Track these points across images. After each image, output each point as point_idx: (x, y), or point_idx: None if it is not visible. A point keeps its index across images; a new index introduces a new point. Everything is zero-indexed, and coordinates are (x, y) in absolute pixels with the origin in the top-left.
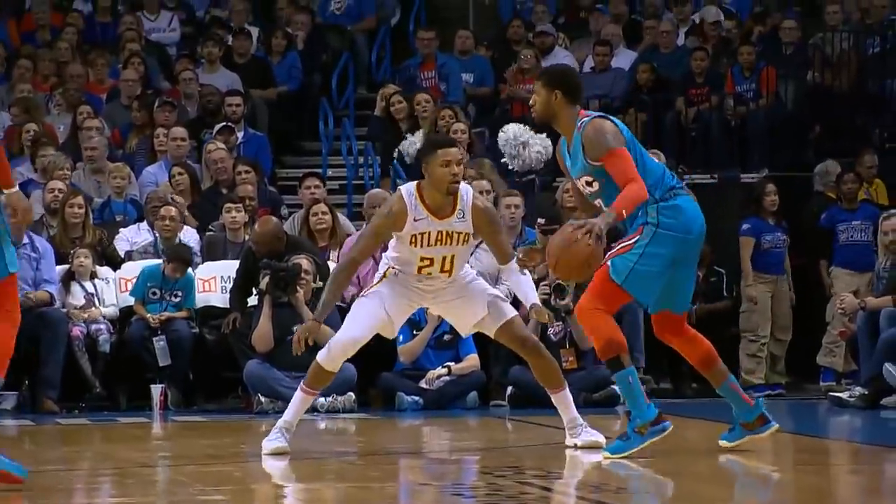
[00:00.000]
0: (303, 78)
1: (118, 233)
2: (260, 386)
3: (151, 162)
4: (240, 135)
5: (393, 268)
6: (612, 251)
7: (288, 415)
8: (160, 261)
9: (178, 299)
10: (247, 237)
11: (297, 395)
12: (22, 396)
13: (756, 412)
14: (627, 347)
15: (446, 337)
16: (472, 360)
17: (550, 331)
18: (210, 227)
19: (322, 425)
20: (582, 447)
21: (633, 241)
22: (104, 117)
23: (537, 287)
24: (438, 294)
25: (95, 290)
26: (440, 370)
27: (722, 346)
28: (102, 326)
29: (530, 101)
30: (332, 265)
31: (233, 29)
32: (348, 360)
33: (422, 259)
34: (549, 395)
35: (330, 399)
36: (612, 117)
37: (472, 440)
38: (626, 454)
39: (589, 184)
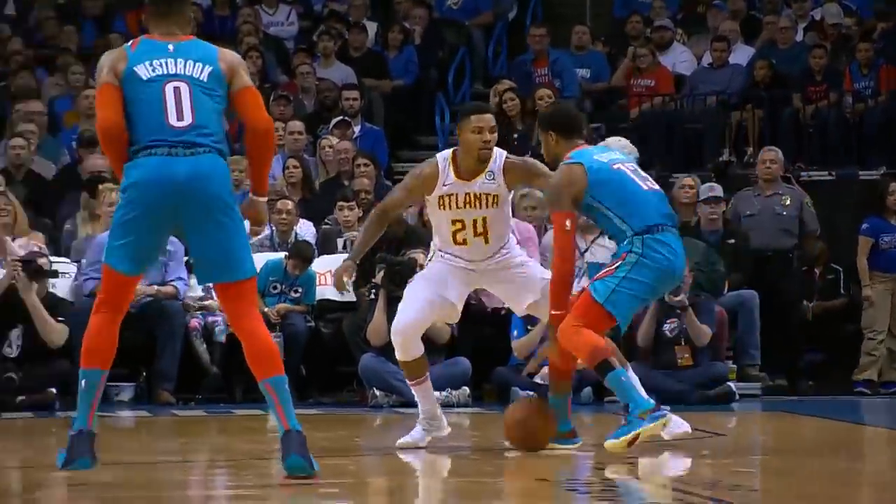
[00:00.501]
0: (419, 72)
1: None
2: (375, 380)
3: None
4: (356, 129)
5: (438, 251)
6: (595, 276)
7: (424, 405)
8: (283, 255)
9: (297, 294)
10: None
11: (413, 391)
12: (139, 388)
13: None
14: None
15: None
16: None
17: (665, 327)
18: (326, 220)
19: None
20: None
21: (615, 266)
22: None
23: None
24: (487, 273)
25: None
26: None
27: (838, 343)
28: (219, 318)
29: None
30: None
31: (349, 23)
32: (463, 356)
33: (453, 223)
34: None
35: (445, 393)
36: (590, 157)
37: (586, 436)
38: (628, 437)
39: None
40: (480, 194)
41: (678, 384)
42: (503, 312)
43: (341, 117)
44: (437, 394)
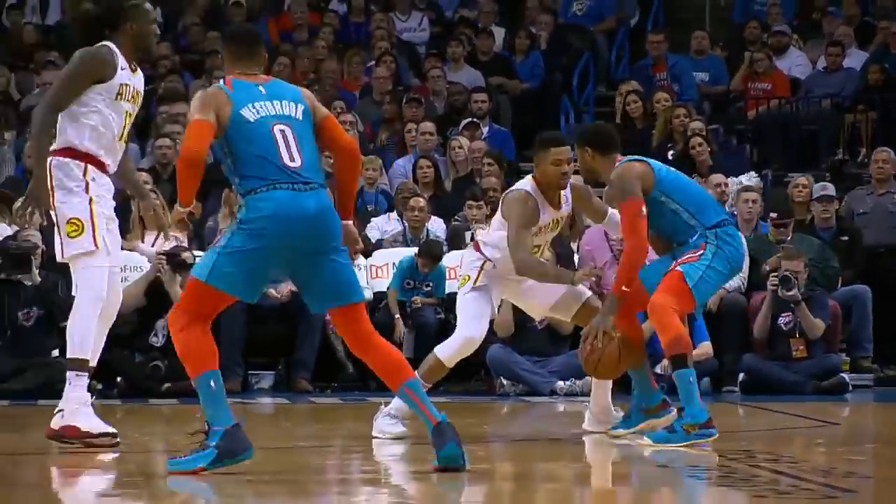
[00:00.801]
0: (545, 76)
1: (370, 222)
2: (502, 369)
3: (401, 155)
4: (485, 130)
5: (488, 261)
6: (680, 259)
7: (398, 401)
8: (414, 252)
9: (428, 289)
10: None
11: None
12: (278, 376)
13: (658, 398)
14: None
15: None
16: (705, 348)
17: (780, 320)
18: (455, 217)
19: (561, 408)
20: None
21: (699, 253)
22: (357, 112)
23: (766, 280)
24: (523, 281)
25: None
26: None
27: None
28: None
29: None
30: (575, 257)
31: (478, 28)
32: None
33: (534, 248)
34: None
35: (569, 382)
36: (645, 158)
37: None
38: (664, 446)
39: None
40: (559, 218)
41: (793, 375)
42: None
43: (470, 119)
44: (560, 383)
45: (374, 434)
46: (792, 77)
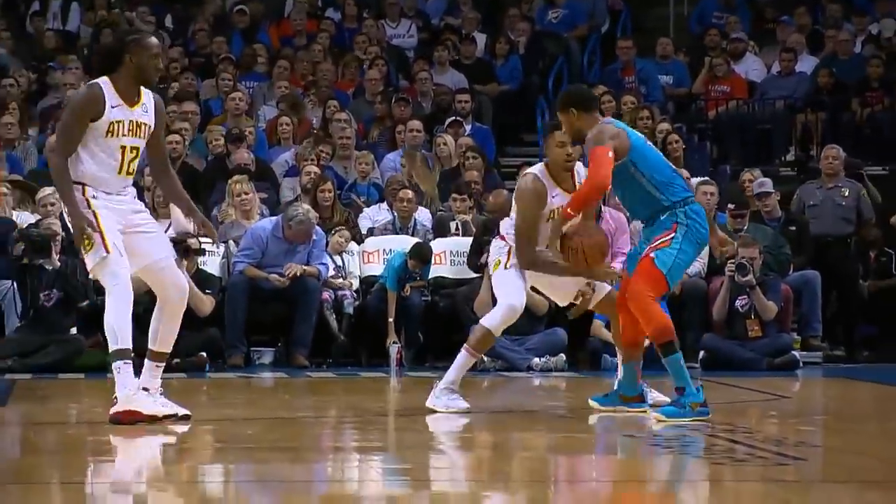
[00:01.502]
0: (523, 79)
1: (362, 212)
2: None
3: (391, 150)
4: (467, 128)
5: (513, 247)
6: (651, 245)
7: (452, 374)
8: (405, 251)
9: (417, 279)
10: (485, 213)
11: (463, 356)
12: (278, 353)
13: (637, 391)
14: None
15: None
16: None
17: (737, 303)
18: (440, 207)
19: (536, 382)
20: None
21: (670, 237)
22: (350, 111)
23: (724, 266)
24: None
25: (343, 262)
26: None
27: (891, 318)
28: (348, 292)
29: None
30: None
31: (462, 35)
32: (560, 326)
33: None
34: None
35: (544, 359)
36: (620, 123)
37: (668, 397)
38: (676, 420)
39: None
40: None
41: (749, 353)
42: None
43: (454, 118)
44: (536, 359)
45: (438, 409)
46: (749, 80)
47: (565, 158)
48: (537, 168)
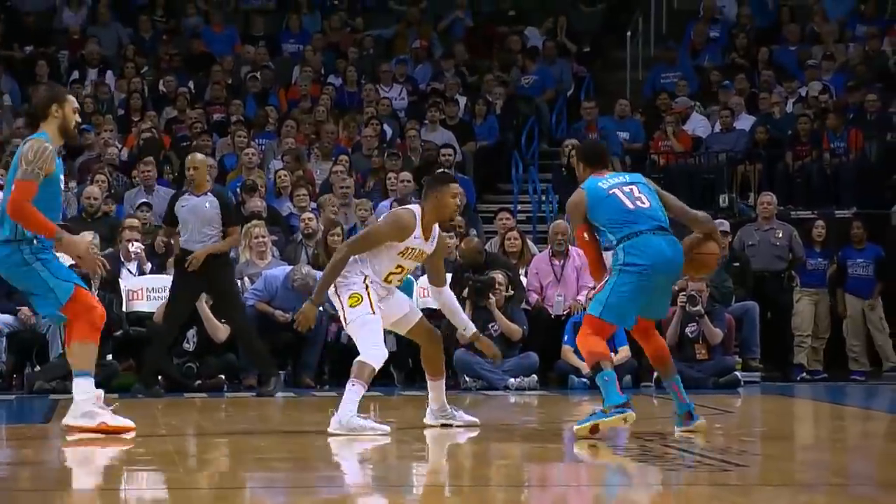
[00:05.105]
0: (499, 136)
1: None
2: (466, 369)
3: (385, 198)
4: None
5: (367, 278)
6: (592, 293)
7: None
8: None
9: None
10: (457, 257)
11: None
12: (287, 375)
13: (686, 408)
14: (664, 357)
15: None
16: (625, 352)
17: (687, 329)
18: None
19: (512, 400)
20: (460, 426)
21: (604, 283)
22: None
23: (675, 298)
24: (385, 299)
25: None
26: None
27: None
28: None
29: None
30: (523, 279)
31: (446, 98)
32: (533, 351)
33: (397, 267)
34: (431, 380)
35: (518, 379)
36: (594, 183)
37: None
38: (589, 424)
39: None
40: (425, 251)
41: (697, 373)
42: (563, 318)
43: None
44: (511, 380)
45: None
46: (694, 136)
47: (454, 210)
48: (416, 209)
